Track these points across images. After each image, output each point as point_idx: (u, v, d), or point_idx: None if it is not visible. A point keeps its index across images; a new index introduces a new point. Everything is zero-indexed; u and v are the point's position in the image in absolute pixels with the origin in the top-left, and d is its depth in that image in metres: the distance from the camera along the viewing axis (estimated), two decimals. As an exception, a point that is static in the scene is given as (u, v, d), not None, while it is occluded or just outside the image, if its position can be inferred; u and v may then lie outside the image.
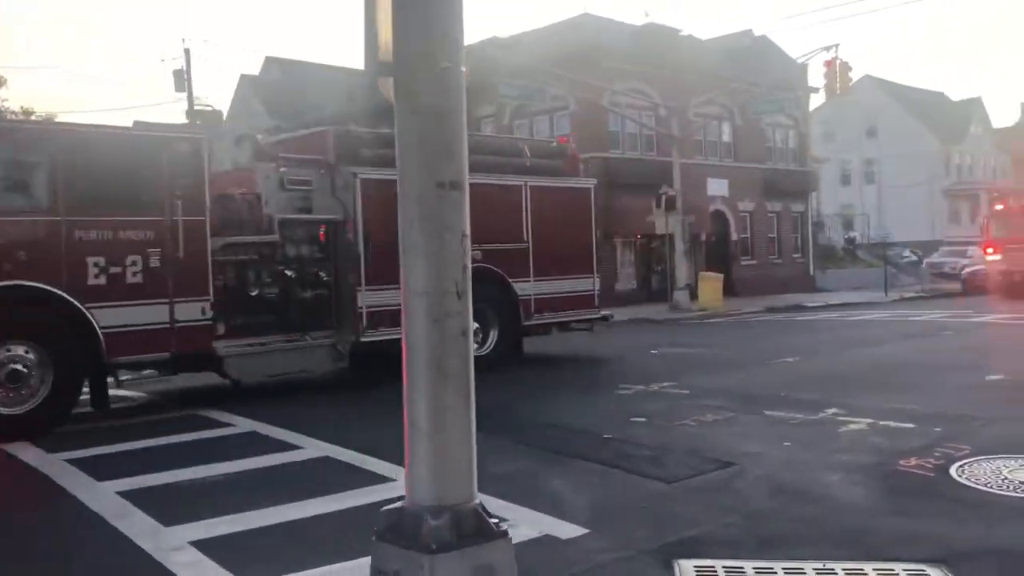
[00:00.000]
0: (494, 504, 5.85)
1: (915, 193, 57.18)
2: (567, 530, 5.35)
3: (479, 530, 2.72)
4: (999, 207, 31.31)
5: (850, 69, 24.26)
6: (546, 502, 5.93)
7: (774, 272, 35.51)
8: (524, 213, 12.67)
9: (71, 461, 7.27)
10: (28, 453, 7.72)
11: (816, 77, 31.43)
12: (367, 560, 4.74)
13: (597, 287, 13.93)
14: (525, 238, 12.68)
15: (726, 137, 34.25)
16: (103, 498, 6.17)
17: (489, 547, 2.70)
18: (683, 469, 6.71)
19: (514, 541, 5.06)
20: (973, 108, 66.56)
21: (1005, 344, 15.57)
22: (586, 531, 5.33)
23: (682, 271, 26.67)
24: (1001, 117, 73.50)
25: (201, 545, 5.16)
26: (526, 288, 12.65)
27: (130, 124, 10.08)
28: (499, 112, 32.45)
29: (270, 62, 49.47)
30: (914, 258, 44.47)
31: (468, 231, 2.79)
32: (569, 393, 10.97)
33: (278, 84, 46.80)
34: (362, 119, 35.96)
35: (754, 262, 34.74)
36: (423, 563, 2.62)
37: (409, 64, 2.69)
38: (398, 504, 2.87)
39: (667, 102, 29.82)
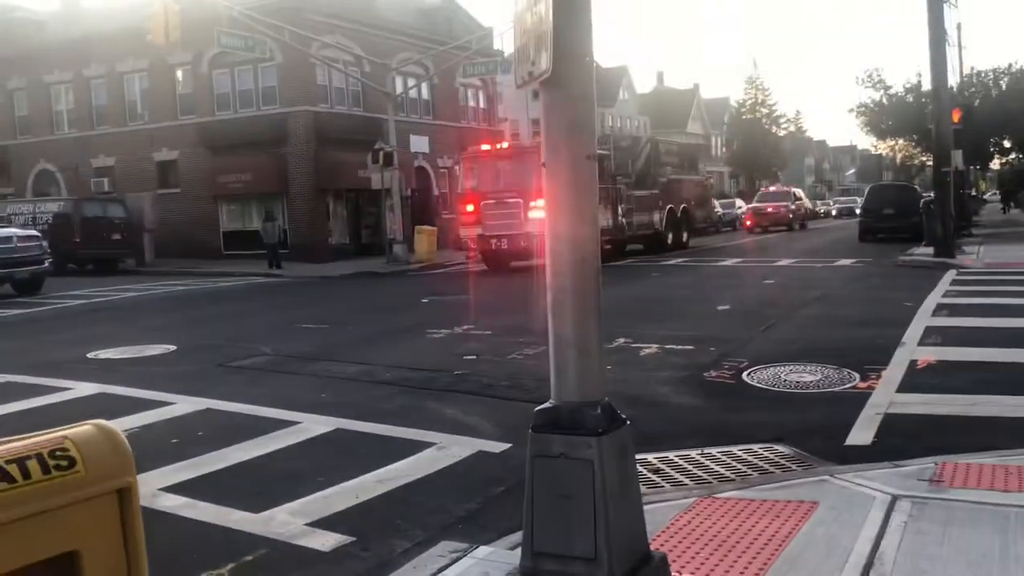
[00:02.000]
0: (413, 433, 6.62)
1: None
2: (493, 446, 6.24)
3: (614, 418, 3.61)
4: (471, 150, 25.48)
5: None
6: (456, 427, 6.76)
7: (469, 225, 37.67)
8: None
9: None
10: None
11: (499, 42, 33.59)
12: (347, 484, 5.35)
13: None
14: None
15: (425, 95, 35.56)
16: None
17: (623, 431, 3.61)
18: (547, 392, 7.80)
19: (457, 458, 6.02)
20: (621, 75, 74.06)
21: (704, 282, 18.45)
22: (510, 445, 6.26)
23: (398, 225, 27.66)
24: (642, 84, 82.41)
25: (175, 490, 5.35)
26: None
27: None
28: (196, 60, 30.95)
29: None
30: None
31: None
32: (390, 339, 11.49)
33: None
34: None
35: (453, 216, 36.59)
36: (591, 443, 3.45)
37: (568, 58, 3.49)
38: (548, 405, 3.67)
39: (371, 58, 30.39)
